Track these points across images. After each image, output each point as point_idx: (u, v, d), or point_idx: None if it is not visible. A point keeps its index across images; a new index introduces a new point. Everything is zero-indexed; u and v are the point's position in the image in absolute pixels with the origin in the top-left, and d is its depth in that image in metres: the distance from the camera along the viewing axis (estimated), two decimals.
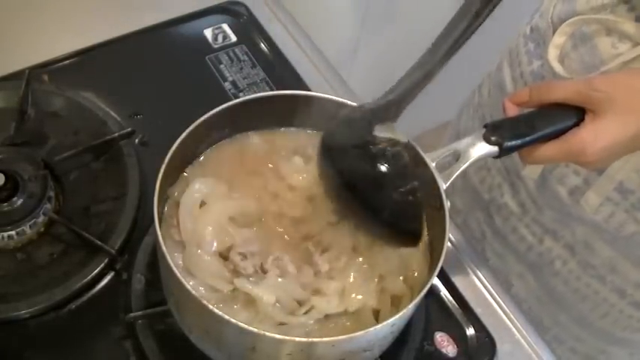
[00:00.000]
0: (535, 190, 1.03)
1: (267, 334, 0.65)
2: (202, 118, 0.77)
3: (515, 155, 1.03)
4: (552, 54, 0.93)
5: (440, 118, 1.48)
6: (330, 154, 0.75)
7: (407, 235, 0.75)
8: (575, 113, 0.74)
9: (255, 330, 0.65)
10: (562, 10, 0.94)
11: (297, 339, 0.66)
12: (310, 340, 0.66)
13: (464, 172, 0.76)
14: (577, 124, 0.74)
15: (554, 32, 0.94)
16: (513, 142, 0.75)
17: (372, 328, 0.67)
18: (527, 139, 0.75)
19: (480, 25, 0.72)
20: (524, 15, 1.08)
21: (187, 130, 0.76)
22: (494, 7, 0.71)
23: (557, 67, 0.92)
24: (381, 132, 0.74)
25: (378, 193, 0.73)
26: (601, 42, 0.88)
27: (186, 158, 0.80)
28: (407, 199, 0.73)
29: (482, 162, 1.13)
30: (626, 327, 1.07)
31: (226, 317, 0.64)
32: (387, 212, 0.73)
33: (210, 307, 0.65)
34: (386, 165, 0.73)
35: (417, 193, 0.73)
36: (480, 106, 1.16)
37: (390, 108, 0.74)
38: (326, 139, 0.76)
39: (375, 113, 0.74)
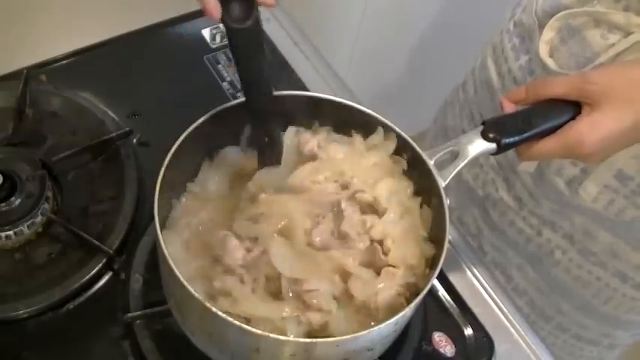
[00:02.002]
0: (532, 183, 1.03)
1: (271, 335, 0.65)
2: (202, 119, 0.77)
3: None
4: (543, 50, 0.92)
5: (418, 126, 1.48)
6: None
7: None
8: (572, 108, 0.74)
9: (259, 331, 0.64)
10: (546, 3, 0.94)
11: (301, 339, 0.66)
12: (314, 340, 0.66)
13: (458, 170, 0.76)
14: (574, 119, 0.74)
15: (540, 26, 0.94)
16: (511, 139, 0.75)
17: (375, 327, 0.67)
18: (525, 135, 0.75)
19: None
20: (501, 11, 1.09)
21: (187, 131, 0.76)
22: None
23: (550, 63, 0.92)
24: None
25: None
26: (590, 34, 0.88)
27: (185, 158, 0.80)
28: None
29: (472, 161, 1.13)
30: (629, 309, 1.07)
31: (229, 319, 0.64)
32: None
33: (214, 309, 0.64)
34: None
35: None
36: (467, 103, 1.16)
37: None
38: None
39: None
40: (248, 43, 0.70)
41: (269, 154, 0.80)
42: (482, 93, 1.10)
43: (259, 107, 0.77)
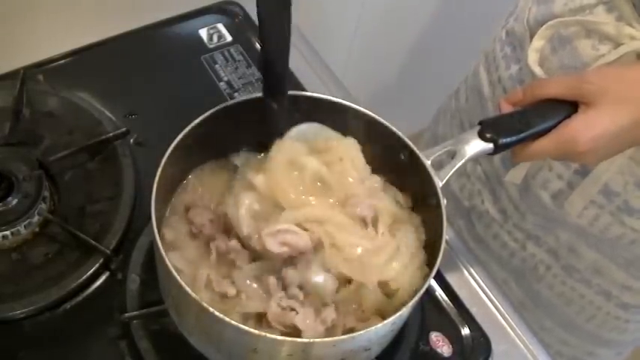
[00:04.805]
0: (517, 196, 1.03)
1: (269, 335, 0.65)
2: (199, 119, 0.77)
3: (495, 162, 1.04)
4: (532, 58, 0.92)
5: (414, 124, 1.49)
6: None
7: None
8: (569, 108, 0.74)
9: (256, 332, 0.65)
10: (538, 12, 0.93)
11: (299, 340, 0.66)
12: (311, 340, 0.66)
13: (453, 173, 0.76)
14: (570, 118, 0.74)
15: (531, 35, 0.93)
16: (508, 139, 0.75)
17: (372, 327, 0.67)
18: (522, 135, 0.75)
19: None
20: (497, 19, 1.08)
21: (184, 131, 0.75)
22: None
23: (538, 71, 0.92)
24: None
25: None
26: (581, 44, 0.87)
27: (183, 158, 0.80)
28: None
29: (461, 169, 1.13)
30: (613, 328, 1.07)
31: (227, 319, 0.64)
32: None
33: (211, 309, 0.64)
34: None
35: None
36: (458, 111, 1.16)
37: None
38: None
39: None
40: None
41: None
42: (473, 101, 1.10)
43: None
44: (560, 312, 1.08)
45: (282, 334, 0.69)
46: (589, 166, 0.91)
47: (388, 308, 0.74)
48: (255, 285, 0.72)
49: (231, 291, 0.71)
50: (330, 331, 0.71)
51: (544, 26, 0.90)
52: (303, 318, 0.70)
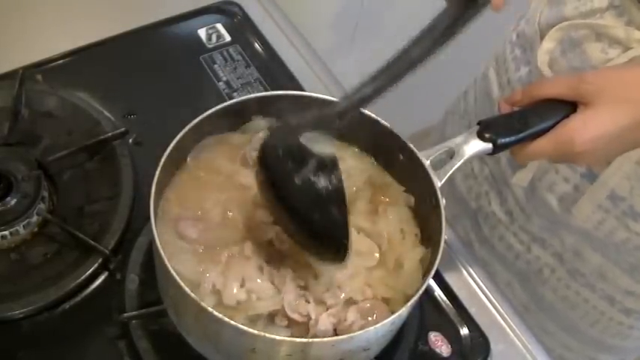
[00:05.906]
0: (523, 199, 1.03)
1: (267, 335, 0.65)
2: (198, 119, 0.77)
3: (502, 163, 1.04)
4: (542, 59, 0.92)
5: (422, 124, 1.49)
6: (266, 161, 0.71)
7: (333, 251, 0.71)
8: (568, 108, 0.74)
9: (255, 331, 0.65)
10: (549, 15, 0.94)
11: (298, 339, 0.66)
12: (310, 340, 0.66)
13: (451, 178, 0.76)
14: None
15: (541, 38, 0.93)
16: (507, 139, 0.75)
17: (371, 328, 0.67)
18: (521, 135, 0.75)
19: (441, 46, 0.70)
20: (508, 21, 1.08)
21: (183, 131, 0.76)
22: (456, 30, 0.70)
23: (548, 73, 0.91)
24: (314, 142, 0.70)
25: (304, 206, 0.69)
26: (590, 47, 0.87)
27: (182, 158, 0.80)
28: (330, 214, 0.69)
29: (469, 170, 1.13)
30: (616, 334, 1.07)
31: (225, 319, 0.64)
32: (315, 227, 0.69)
33: (210, 309, 0.65)
34: (314, 179, 0.68)
35: (342, 208, 0.69)
36: (467, 112, 1.16)
37: (331, 119, 0.71)
38: (264, 147, 0.71)
39: (313, 122, 0.71)
40: None
41: None
42: (483, 103, 1.10)
43: None
44: (564, 316, 1.08)
45: (300, 323, 0.70)
46: (594, 169, 0.91)
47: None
48: (266, 284, 0.72)
49: (241, 296, 0.71)
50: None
51: (554, 28, 0.90)
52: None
